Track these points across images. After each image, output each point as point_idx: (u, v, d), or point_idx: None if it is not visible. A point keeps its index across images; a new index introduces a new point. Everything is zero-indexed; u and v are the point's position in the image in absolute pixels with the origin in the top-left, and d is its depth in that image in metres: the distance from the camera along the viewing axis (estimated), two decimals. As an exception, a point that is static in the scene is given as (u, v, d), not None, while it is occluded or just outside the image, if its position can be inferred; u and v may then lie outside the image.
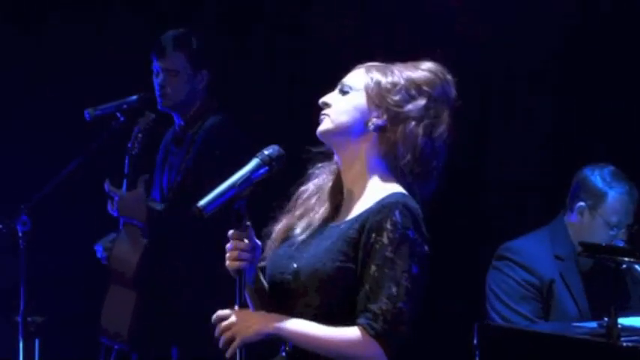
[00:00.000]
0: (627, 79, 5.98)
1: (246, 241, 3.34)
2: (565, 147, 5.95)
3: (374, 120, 3.40)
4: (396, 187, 3.40)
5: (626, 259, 4.49)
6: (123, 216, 5.18)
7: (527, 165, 5.99)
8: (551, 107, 6.22)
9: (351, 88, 3.43)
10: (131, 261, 5.19)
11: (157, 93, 5.28)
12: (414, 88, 3.43)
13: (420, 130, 3.41)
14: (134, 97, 5.23)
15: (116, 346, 5.28)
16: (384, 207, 3.33)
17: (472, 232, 6.05)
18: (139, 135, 5.29)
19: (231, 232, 3.32)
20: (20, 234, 5.01)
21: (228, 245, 3.34)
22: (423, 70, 3.47)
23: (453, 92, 3.49)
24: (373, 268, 3.30)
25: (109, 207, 5.12)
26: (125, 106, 5.22)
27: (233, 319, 3.32)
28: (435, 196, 3.89)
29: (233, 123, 5.26)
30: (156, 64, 5.29)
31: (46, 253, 5.41)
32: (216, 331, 3.35)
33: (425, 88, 3.43)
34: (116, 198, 5.11)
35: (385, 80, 3.43)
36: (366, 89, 3.42)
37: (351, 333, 3.30)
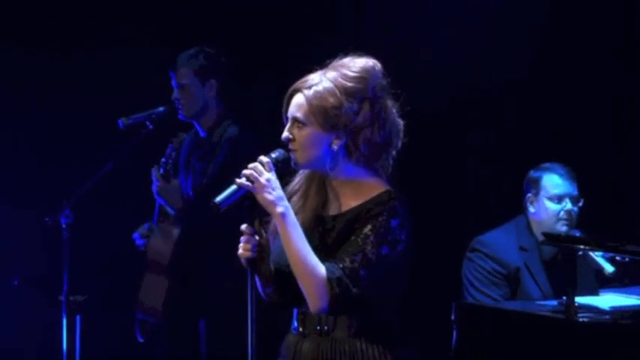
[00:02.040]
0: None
1: (256, 236, 3.34)
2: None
3: (336, 142, 3.36)
4: (380, 184, 3.40)
5: (582, 246, 4.58)
6: (160, 198, 5.26)
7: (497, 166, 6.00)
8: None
9: (302, 122, 3.36)
10: (165, 252, 5.28)
11: (177, 105, 5.36)
12: (354, 100, 3.36)
13: (377, 131, 3.38)
14: (161, 109, 5.32)
15: (150, 320, 5.33)
16: (376, 205, 3.34)
17: (453, 225, 5.96)
18: (173, 154, 5.38)
19: (243, 226, 3.33)
20: (64, 226, 5.07)
21: (241, 238, 3.34)
22: (354, 74, 3.38)
23: (385, 81, 3.42)
24: (353, 237, 3.31)
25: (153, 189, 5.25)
26: (154, 116, 5.30)
27: (263, 179, 3.27)
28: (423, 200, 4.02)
29: (250, 132, 5.28)
30: (173, 81, 5.36)
31: (85, 241, 5.38)
32: (247, 171, 3.30)
33: (362, 94, 3.37)
34: (156, 183, 5.21)
35: (329, 106, 3.34)
36: (316, 119, 3.35)
37: (321, 268, 3.29)
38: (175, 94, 5.34)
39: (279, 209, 3.28)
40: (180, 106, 5.34)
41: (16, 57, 6.19)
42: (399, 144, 3.43)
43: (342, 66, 3.39)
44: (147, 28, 6.35)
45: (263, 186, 3.26)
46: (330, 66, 3.40)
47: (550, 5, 6.01)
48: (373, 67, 3.39)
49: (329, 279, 3.27)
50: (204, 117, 5.36)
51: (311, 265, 3.29)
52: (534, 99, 6.07)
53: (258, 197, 3.29)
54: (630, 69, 5.95)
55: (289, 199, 3.44)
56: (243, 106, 5.54)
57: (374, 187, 3.39)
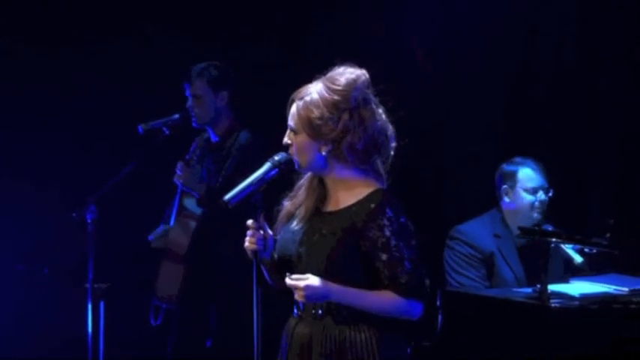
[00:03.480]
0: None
1: (261, 231, 3.40)
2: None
3: (324, 148, 3.38)
4: (373, 183, 3.42)
5: (554, 239, 4.65)
6: (186, 186, 5.29)
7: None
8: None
9: (295, 130, 3.40)
10: (183, 243, 5.36)
11: (191, 113, 5.40)
12: (335, 112, 3.37)
13: (358, 138, 3.38)
14: (177, 116, 5.35)
15: (164, 306, 5.39)
16: (374, 206, 3.36)
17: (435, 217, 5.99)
18: (197, 150, 5.49)
19: (249, 221, 3.39)
20: (89, 221, 5.07)
21: (247, 232, 3.40)
22: (337, 87, 3.38)
23: (369, 91, 3.43)
24: (385, 256, 3.33)
25: (175, 179, 5.27)
26: (170, 122, 5.32)
27: (300, 291, 3.32)
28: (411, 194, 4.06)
29: (258, 138, 5.31)
30: (187, 91, 5.42)
31: (109, 235, 5.33)
32: (291, 284, 3.33)
33: (343, 106, 3.37)
34: (179, 172, 5.25)
35: (313, 116, 3.37)
36: (304, 128, 3.38)
37: (387, 295, 3.35)
38: (190, 103, 5.37)
39: (333, 297, 3.34)
40: (194, 115, 5.37)
41: (49, 60, 6.19)
42: (391, 147, 3.45)
43: (330, 78, 3.41)
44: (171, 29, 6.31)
45: (307, 296, 3.31)
46: (324, 77, 3.43)
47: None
48: (357, 80, 3.40)
49: (409, 295, 3.33)
50: (217, 124, 5.44)
51: (382, 304, 3.35)
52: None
53: (310, 302, 3.36)
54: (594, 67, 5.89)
55: (297, 191, 3.52)
56: (253, 111, 5.53)
57: (365, 187, 3.41)
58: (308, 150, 3.40)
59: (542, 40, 5.96)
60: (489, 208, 5.24)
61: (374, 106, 3.42)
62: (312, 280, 3.32)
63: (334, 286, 3.33)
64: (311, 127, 3.38)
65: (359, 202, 3.38)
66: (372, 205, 3.36)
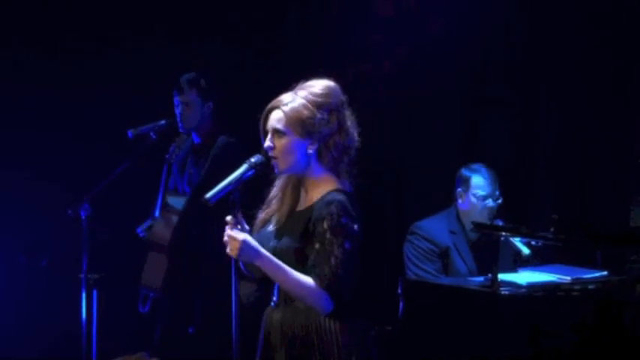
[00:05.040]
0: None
1: (238, 226, 3.38)
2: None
3: (310, 147, 3.42)
4: (334, 184, 3.43)
5: (504, 233, 4.79)
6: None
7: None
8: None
9: (284, 131, 3.40)
10: (166, 236, 5.36)
11: (178, 119, 5.42)
12: (324, 112, 3.41)
13: (344, 136, 3.45)
14: (163, 122, 5.35)
15: (151, 294, 5.39)
16: (325, 203, 3.38)
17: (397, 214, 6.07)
18: (177, 150, 5.49)
19: (228, 217, 3.38)
20: (83, 217, 5.02)
21: (226, 227, 3.37)
22: (321, 91, 3.43)
23: (342, 96, 3.48)
24: (317, 245, 3.35)
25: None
26: (157, 128, 5.31)
27: (236, 243, 3.30)
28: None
29: (236, 141, 5.30)
30: (176, 98, 5.43)
31: (101, 230, 5.29)
32: (230, 234, 3.31)
33: (326, 107, 3.41)
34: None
35: (305, 116, 3.39)
36: (295, 129, 3.40)
37: (309, 279, 3.33)
38: (180, 109, 5.40)
39: (258, 261, 3.34)
40: (181, 120, 5.40)
41: (50, 65, 6.14)
42: (355, 149, 3.49)
43: (309, 86, 3.45)
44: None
45: (240, 249, 3.31)
46: (298, 87, 3.46)
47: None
48: (333, 86, 3.47)
49: (325, 289, 3.30)
50: (200, 129, 5.46)
51: (300, 286, 3.33)
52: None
53: (240, 259, 3.36)
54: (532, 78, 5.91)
55: (269, 203, 3.54)
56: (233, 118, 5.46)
57: (329, 186, 3.44)
58: (296, 150, 3.42)
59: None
60: (447, 205, 5.29)
61: (349, 111, 3.49)
62: (250, 240, 3.33)
63: (265, 254, 3.34)
64: (303, 126, 3.40)
65: (320, 199, 3.42)
66: (324, 201, 3.39)
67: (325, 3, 6.16)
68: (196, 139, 5.51)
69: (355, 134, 3.49)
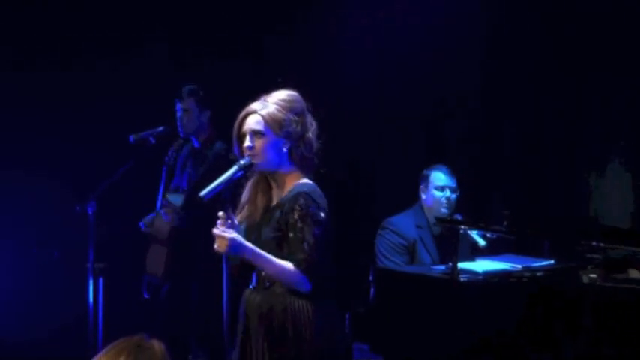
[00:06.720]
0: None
1: (228, 220, 3.46)
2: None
3: (284, 146, 3.51)
4: (301, 179, 3.52)
5: (462, 226, 4.85)
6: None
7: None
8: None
9: (263, 132, 3.47)
10: (165, 230, 5.43)
11: (178, 124, 5.52)
12: (292, 114, 3.50)
13: (312, 136, 3.56)
14: (161, 128, 5.40)
15: (154, 281, 5.48)
16: (293, 196, 3.47)
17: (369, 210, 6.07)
18: (175, 153, 5.59)
19: (220, 213, 3.45)
20: (90, 213, 5.05)
21: (218, 222, 3.44)
22: (289, 97, 3.52)
23: (304, 102, 3.57)
24: (291, 234, 3.45)
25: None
26: (156, 134, 5.36)
27: (224, 240, 3.35)
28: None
29: (230, 146, 5.11)
30: (177, 106, 5.55)
31: (107, 223, 5.33)
32: (217, 233, 3.36)
33: (294, 110, 3.51)
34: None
35: (280, 118, 3.47)
36: (273, 129, 3.47)
37: (289, 264, 3.42)
38: (180, 115, 5.50)
39: (245, 254, 3.42)
40: (181, 125, 5.50)
41: (60, 74, 6.17)
42: (317, 148, 3.59)
43: (276, 95, 3.55)
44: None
45: (229, 246, 3.36)
46: (264, 97, 3.54)
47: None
48: (296, 94, 3.57)
49: (302, 271, 3.38)
50: (199, 134, 5.56)
51: (282, 271, 3.41)
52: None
53: (229, 255, 3.40)
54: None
55: (242, 209, 3.60)
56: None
57: (298, 180, 3.52)
58: (272, 148, 3.50)
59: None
60: (414, 203, 5.34)
61: (310, 116, 3.60)
62: (236, 236, 3.39)
63: (249, 248, 3.40)
64: (280, 127, 3.48)
65: (289, 192, 3.50)
66: (293, 194, 3.48)
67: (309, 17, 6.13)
68: (196, 144, 5.58)
69: (315, 136, 3.58)
